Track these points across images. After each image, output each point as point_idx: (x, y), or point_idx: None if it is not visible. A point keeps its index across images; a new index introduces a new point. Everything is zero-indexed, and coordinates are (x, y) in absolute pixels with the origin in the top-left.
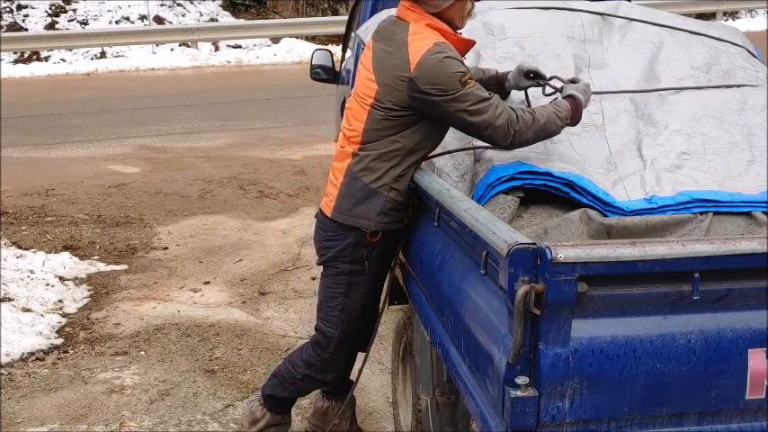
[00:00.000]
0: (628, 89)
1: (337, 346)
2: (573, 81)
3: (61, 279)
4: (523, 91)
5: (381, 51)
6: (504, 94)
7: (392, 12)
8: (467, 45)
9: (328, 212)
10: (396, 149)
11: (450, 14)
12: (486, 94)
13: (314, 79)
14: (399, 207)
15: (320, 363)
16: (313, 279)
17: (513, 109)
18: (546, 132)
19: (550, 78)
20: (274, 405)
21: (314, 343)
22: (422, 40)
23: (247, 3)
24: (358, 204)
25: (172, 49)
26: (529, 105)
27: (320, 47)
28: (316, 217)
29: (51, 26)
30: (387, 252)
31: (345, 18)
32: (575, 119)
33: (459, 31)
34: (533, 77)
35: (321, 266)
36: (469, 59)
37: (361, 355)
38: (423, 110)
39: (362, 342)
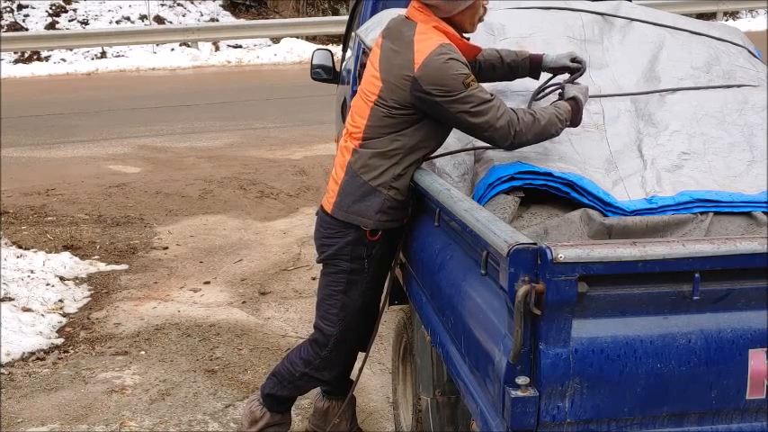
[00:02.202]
0: (628, 89)
1: (336, 344)
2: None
3: (61, 279)
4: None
5: (388, 50)
6: (537, 75)
7: (392, 12)
8: (473, 51)
9: (329, 209)
10: (396, 148)
11: (460, 19)
12: (488, 95)
13: (314, 79)
14: (399, 206)
15: (319, 361)
16: (313, 279)
17: (514, 110)
18: (546, 134)
19: (573, 76)
20: (274, 404)
21: (312, 341)
22: (427, 40)
23: (248, 3)
24: (357, 202)
25: (172, 49)
26: (533, 99)
27: (320, 47)
28: (317, 214)
29: (52, 26)
30: (387, 251)
31: (346, 18)
32: (575, 121)
33: (468, 36)
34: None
35: (321, 264)
36: None
37: (361, 355)
38: (425, 109)
39: (362, 341)
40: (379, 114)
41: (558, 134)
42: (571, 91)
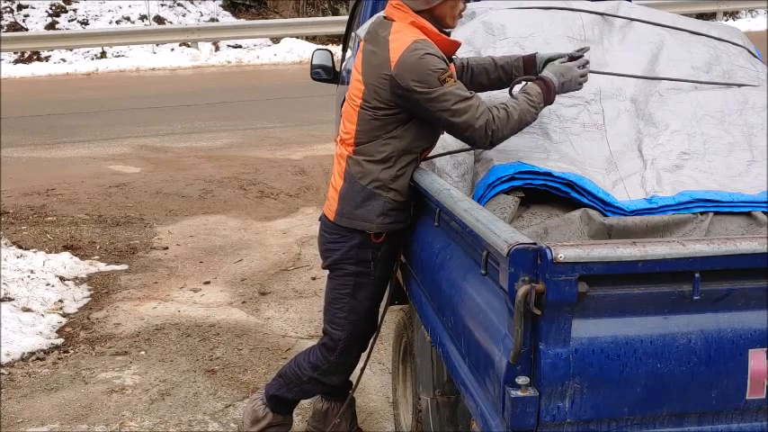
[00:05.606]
0: (628, 90)
1: (344, 348)
2: (574, 57)
3: (61, 279)
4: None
5: (368, 52)
6: (535, 73)
7: None
8: (452, 45)
9: (331, 216)
10: (389, 151)
11: (440, 13)
12: (466, 93)
13: (314, 79)
14: (400, 207)
15: (327, 366)
16: (313, 279)
17: (488, 108)
18: (522, 125)
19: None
20: (278, 405)
21: (321, 346)
22: (402, 38)
23: (248, 3)
24: (359, 207)
25: (172, 49)
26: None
27: (320, 47)
28: (320, 220)
29: (51, 26)
30: (392, 252)
31: (345, 18)
32: (548, 100)
33: (448, 31)
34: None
35: (324, 268)
36: None
37: (361, 355)
38: (408, 108)
39: (367, 344)
40: (366, 118)
41: (535, 119)
42: (545, 71)
